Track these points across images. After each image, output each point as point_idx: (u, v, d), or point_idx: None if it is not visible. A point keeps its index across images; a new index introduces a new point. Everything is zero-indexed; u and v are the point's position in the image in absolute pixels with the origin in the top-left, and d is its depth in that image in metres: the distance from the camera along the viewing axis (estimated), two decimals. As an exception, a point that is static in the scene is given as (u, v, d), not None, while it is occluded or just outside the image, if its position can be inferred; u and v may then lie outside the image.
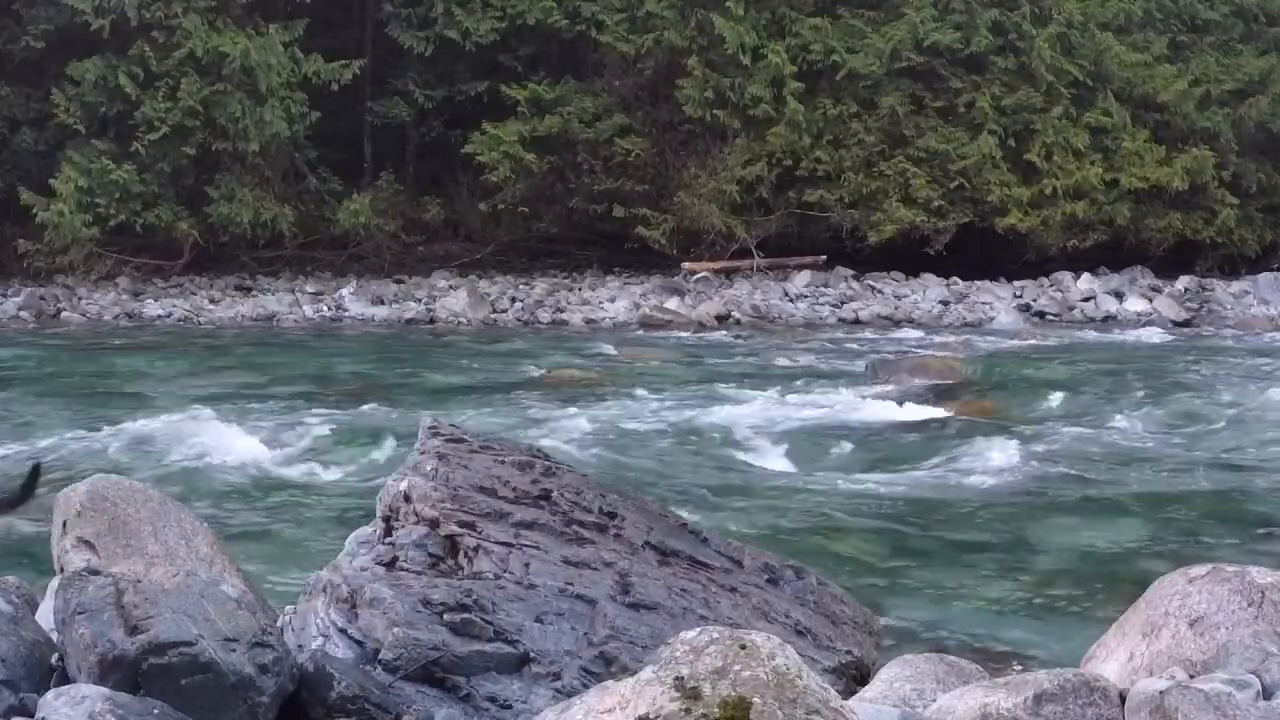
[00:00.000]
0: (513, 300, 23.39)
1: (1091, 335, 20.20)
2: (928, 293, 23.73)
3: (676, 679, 2.45)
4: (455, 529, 3.75)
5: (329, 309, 23.08)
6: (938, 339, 19.37)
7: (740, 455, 10.05)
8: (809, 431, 11.13)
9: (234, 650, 3.06)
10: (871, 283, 24.69)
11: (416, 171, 28.02)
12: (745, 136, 25.88)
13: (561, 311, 22.62)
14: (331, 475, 9.24)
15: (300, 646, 3.43)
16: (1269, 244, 28.04)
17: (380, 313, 22.75)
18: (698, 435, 10.80)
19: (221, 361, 16.48)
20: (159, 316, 22.35)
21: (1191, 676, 3.24)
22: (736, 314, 22.46)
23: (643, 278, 25.23)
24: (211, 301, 23.51)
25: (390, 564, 3.64)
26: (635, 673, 2.60)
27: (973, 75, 26.36)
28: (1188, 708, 2.92)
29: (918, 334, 20.25)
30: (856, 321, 22.12)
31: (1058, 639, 5.54)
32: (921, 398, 12.50)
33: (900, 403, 12.26)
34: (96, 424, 10.92)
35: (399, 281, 25.21)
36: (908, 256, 25.65)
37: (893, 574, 6.82)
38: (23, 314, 22.28)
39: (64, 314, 22.51)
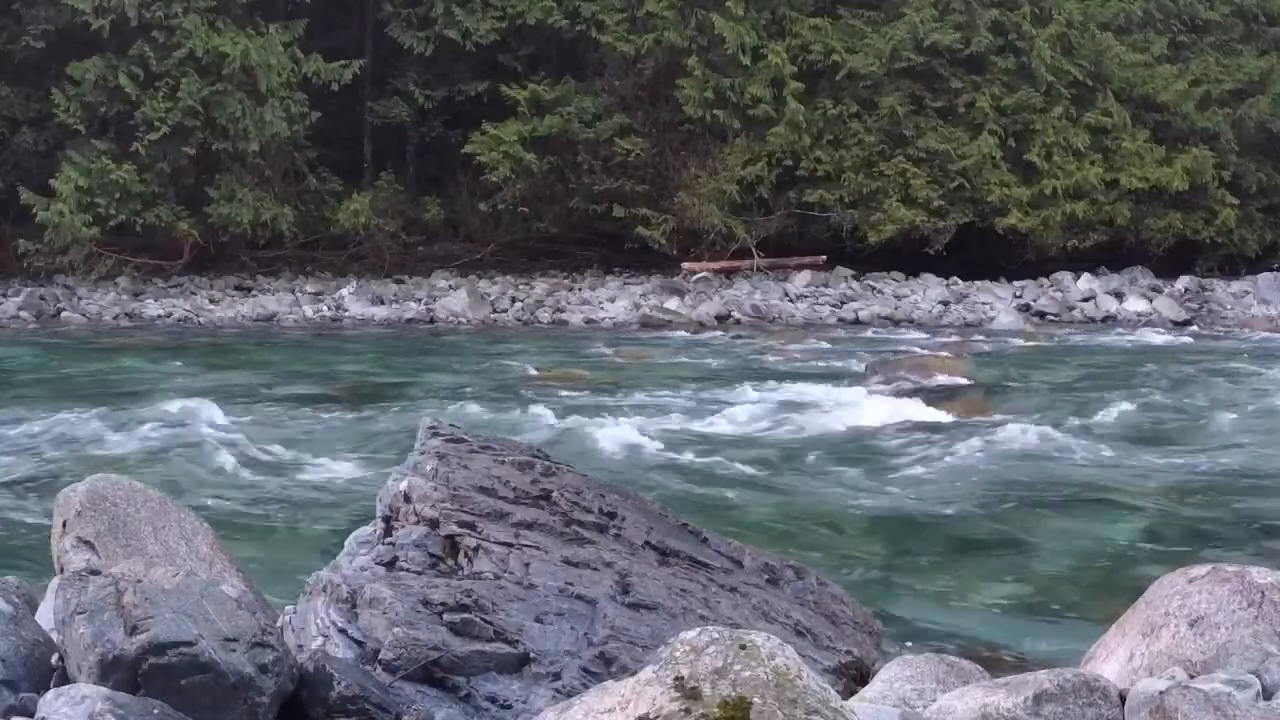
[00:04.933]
0: (513, 300, 23.39)
1: (1091, 335, 20.20)
2: (928, 293, 23.74)
3: (676, 679, 2.45)
4: (455, 529, 3.75)
5: (329, 309, 23.08)
6: (938, 339, 19.37)
7: (740, 455, 10.05)
8: (809, 431, 11.13)
9: (234, 650, 3.06)
10: (871, 283, 24.70)
11: (416, 171, 28.03)
12: (745, 136, 25.89)
13: (561, 311, 22.62)
14: (331, 475, 9.24)
15: (300, 646, 3.43)
16: (1269, 244, 28.06)
17: (380, 313, 22.76)
18: (697, 435, 10.80)
19: (221, 361, 16.48)
20: (159, 316, 22.35)
21: (1191, 676, 3.24)
22: (736, 314, 22.46)
23: (643, 278, 25.24)
24: (211, 301, 23.52)
25: (390, 564, 3.64)
26: (635, 673, 2.60)
27: (973, 75, 26.38)
28: (1188, 708, 2.92)
29: (918, 334, 20.25)
30: (856, 321, 22.12)
31: (1058, 639, 5.54)
32: (921, 398, 12.50)
33: (900, 403, 12.26)
34: (96, 424, 10.92)
35: (399, 281, 25.22)
36: (908, 256, 25.67)
37: (893, 574, 6.82)
38: (23, 314, 22.28)
39: (64, 314, 22.51)
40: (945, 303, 23.04)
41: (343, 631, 3.43)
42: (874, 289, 24.32)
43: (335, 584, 3.55)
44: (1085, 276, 24.64)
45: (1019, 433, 10.89)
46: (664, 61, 26.16)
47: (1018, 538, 7.57)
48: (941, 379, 13.97)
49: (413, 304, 23.28)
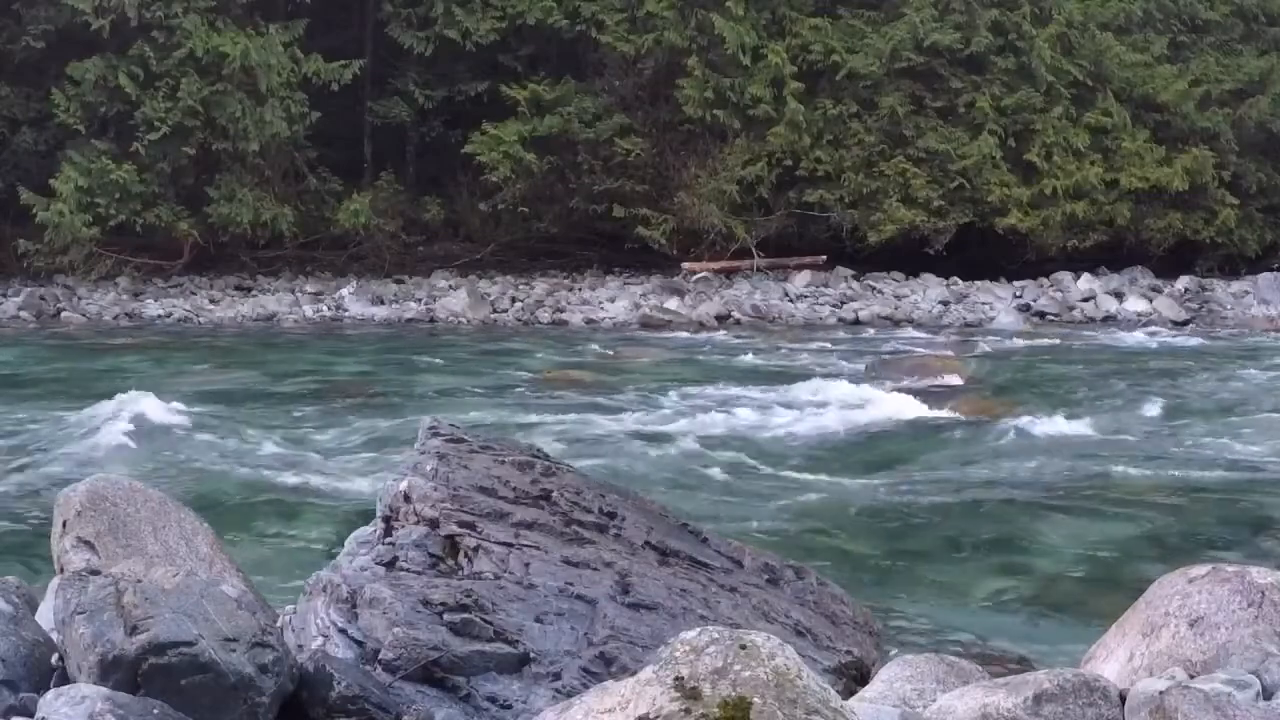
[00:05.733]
0: (513, 300, 23.39)
1: (1091, 335, 20.20)
2: (928, 293, 23.74)
3: (676, 679, 2.45)
4: (455, 529, 3.75)
5: (329, 309, 23.09)
6: (938, 339, 19.37)
7: (740, 455, 10.05)
8: (809, 431, 11.13)
9: (234, 650, 3.06)
10: (871, 283, 24.70)
11: (416, 171, 28.03)
12: (745, 136, 25.89)
13: (561, 311, 22.62)
14: (331, 475, 9.24)
15: (300, 646, 3.43)
16: (1269, 244, 28.07)
17: (380, 313, 22.76)
18: (697, 435, 10.79)
19: (221, 361, 16.48)
20: (159, 316, 22.36)
21: (1191, 676, 3.24)
22: (736, 314, 22.46)
23: (643, 278, 25.24)
24: (211, 301, 23.52)
25: (390, 564, 3.64)
26: (635, 673, 2.60)
27: (973, 75, 26.38)
28: (1188, 708, 2.92)
29: (918, 334, 20.25)
30: (856, 321, 22.12)
31: (1058, 639, 5.54)
32: (921, 398, 12.50)
33: (900, 403, 12.26)
34: (97, 424, 10.92)
35: (399, 281, 25.22)
36: (908, 256, 25.67)
37: (893, 574, 6.82)
38: (23, 314, 22.27)
39: (64, 314, 22.51)
40: (945, 303, 23.03)
41: (343, 631, 3.43)
42: (874, 289, 24.32)
43: (335, 584, 3.55)
44: (1085, 276, 24.64)
45: (1018, 433, 10.89)
46: (664, 61, 26.16)
47: (1018, 537, 7.57)
48: (941, 379, 13.97)
49: (413, 304, 23.28)
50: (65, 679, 3.11)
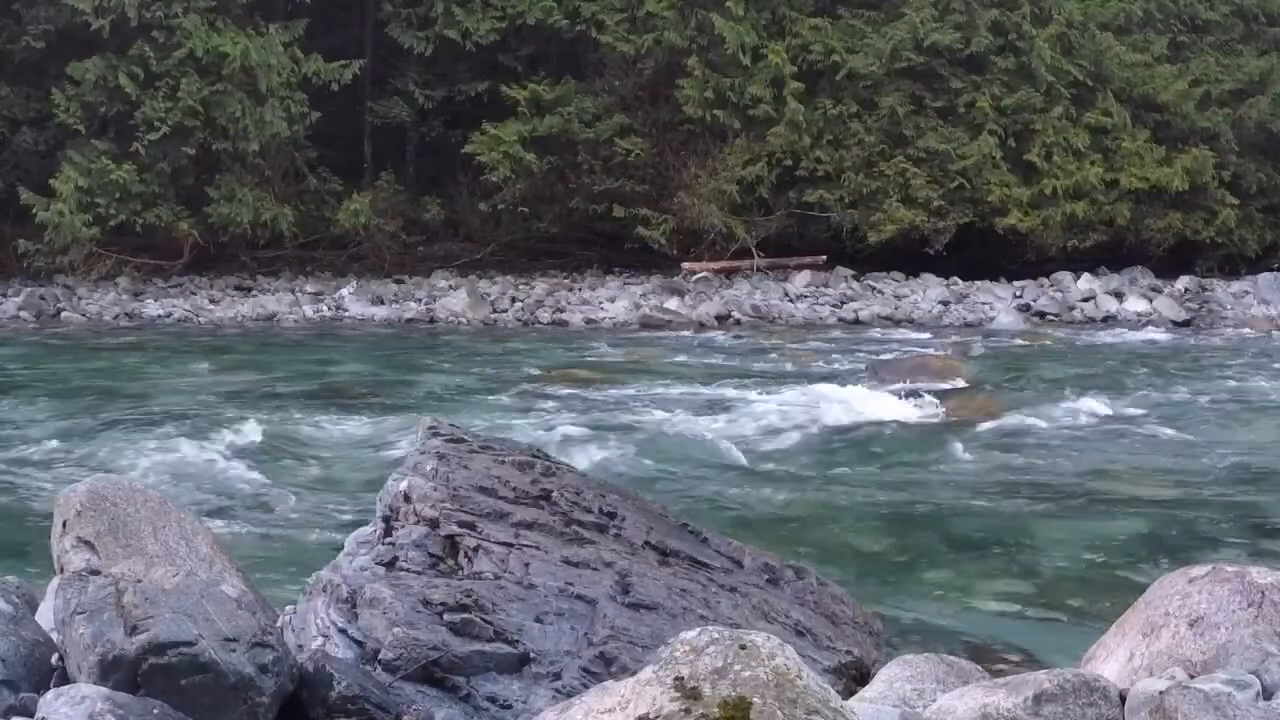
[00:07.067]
0: (513, 300, 23.39)
1: (1091, 335, 20.20)
2: (928, 293, 23.74)
3: (676, 679, 2.45)
4: (455, 529, 3.75)
5: (329, 309, 23.09)
6: (938, 339, 19.37)
7: (740, 455, 10.05)
8: (809, 431, 11.13)
9: (234, 650, 3.05)
10: (871, 283, 24.70)
11: (416, 171, 28.03)
12: (745, 136, 25.89)
13: (561, 311, 22.62)
14: (331, 475, 9.24)
15: (300, 646, 3.43)
16: (1269, 244, 28.07)
17: (380, 313, 22.76)
18: (697, 435, 10.79)
19: (221, 361, 16.48)
20: (159, 316, 22.36)
21: (1191, 676, 3.24)
22: (736, 314, 22.46)
23: (643, 278, 25.24)
24: (211, 301, 23.53)
25: (390, 564, 3.64)
26: (635, 673, 2.60)
27: (973, 75, 26.38)
28: (1188, 708, 2.92)
29: (918, 334, 20.26)
30: (856, 321, 22.12)
31: (1058, 639, 5.54)
32: (921, 398, 12.50)
33: (900, 403, 12.26)
34: (96, 424, 10.92)
35: (399, 281, 25.22)
36: (908, 256, 25.68)
37: (893, 574, 6.82)
38: (23, 314, 22.28)
39: (64, 314, 22.52)
40: (945, 303, 23.03)
41: (343, 631, 3.43)
42: (874, 289, 24.32)
43: (335, 584, 3.55)
44: (1085, 276, 24.64)
45: (1019, 433, 10.89)
46: (664, 61, 26.17)
47: (1018, 537, 7.57)
48: (941, 379, 13.97)
49: (413, 304, 23.29)
50: (65, 679, 3.11)
